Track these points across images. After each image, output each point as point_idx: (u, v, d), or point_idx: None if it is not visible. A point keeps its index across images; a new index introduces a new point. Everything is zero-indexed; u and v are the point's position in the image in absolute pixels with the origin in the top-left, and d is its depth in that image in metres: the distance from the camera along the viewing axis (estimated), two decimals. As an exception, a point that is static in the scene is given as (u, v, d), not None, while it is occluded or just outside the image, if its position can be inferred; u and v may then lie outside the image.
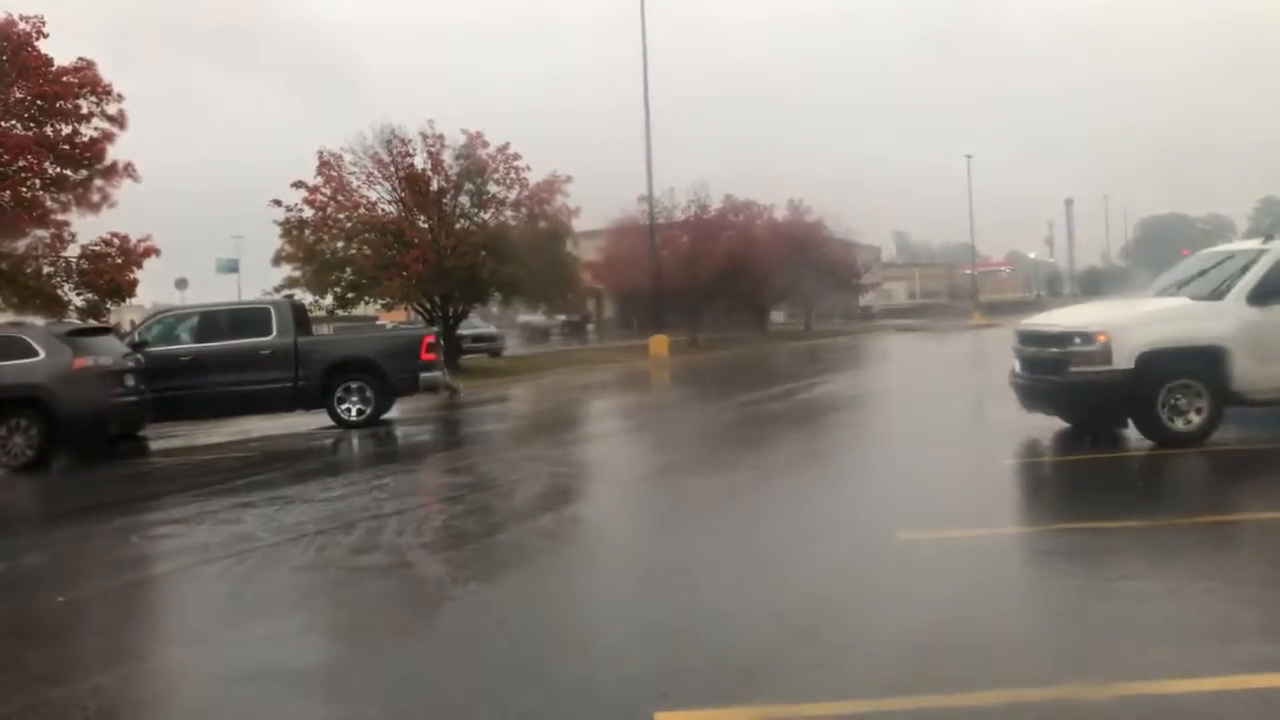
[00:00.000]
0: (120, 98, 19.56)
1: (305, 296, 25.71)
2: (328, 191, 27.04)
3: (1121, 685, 4.06)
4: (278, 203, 26.67)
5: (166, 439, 15.79)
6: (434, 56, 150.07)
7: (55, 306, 19.56)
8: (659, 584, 6.28)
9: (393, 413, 16.94)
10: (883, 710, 3.97)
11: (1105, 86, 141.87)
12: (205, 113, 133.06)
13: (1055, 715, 3.89)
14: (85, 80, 19.20)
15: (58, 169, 19.34)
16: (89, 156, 19.45)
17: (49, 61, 19.03)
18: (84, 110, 19.28)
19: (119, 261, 20.06)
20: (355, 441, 14.53)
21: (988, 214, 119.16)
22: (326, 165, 27.05)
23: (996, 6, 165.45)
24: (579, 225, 30.72)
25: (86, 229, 20.19)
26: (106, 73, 19.53)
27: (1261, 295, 9.70)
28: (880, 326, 57.58)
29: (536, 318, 50.51)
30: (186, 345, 15.94)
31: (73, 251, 19.88)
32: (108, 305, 20.75)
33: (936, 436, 12.14)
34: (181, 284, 49.65)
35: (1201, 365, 9.63)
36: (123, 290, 20.61)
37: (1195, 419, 9.62)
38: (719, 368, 30.13)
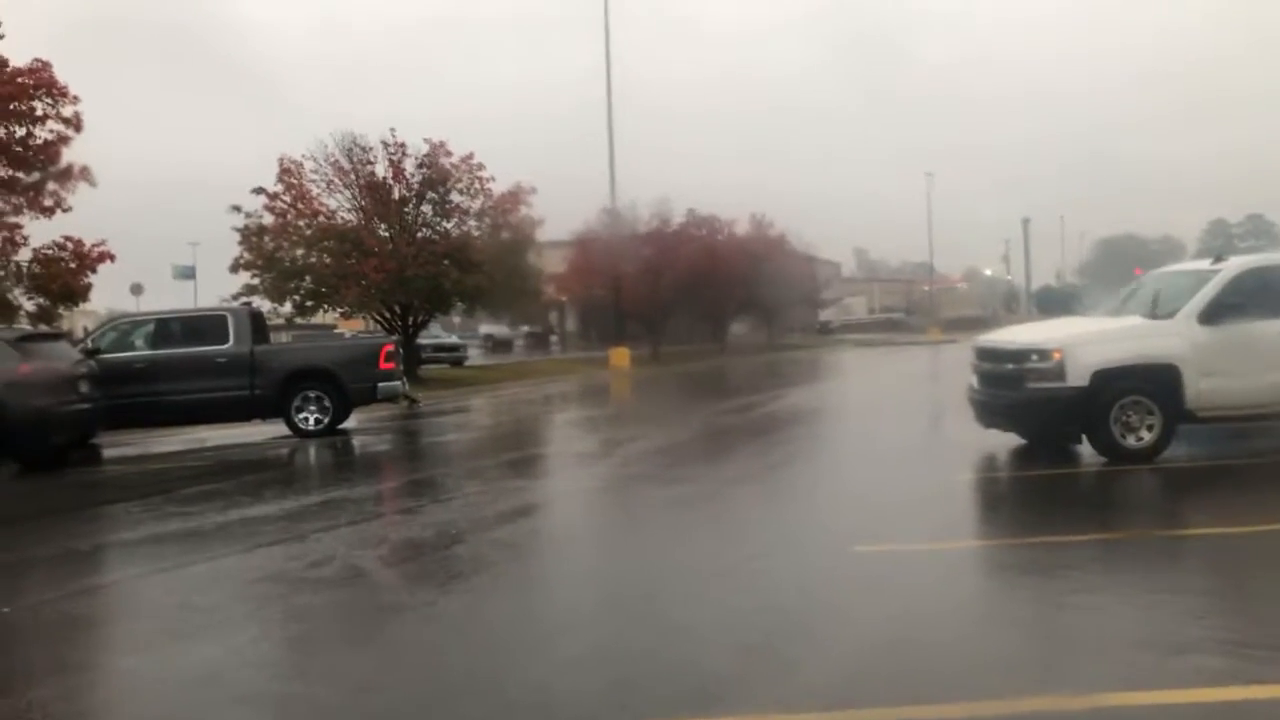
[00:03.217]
0: (76, 100, 19.27)
1: (264, 304, 25.44)
2: (288, 198, 26.83)
3: (1076, 698, 4.10)
4: (237, 208, 26.44)
5: (119, 447, 15.52)
6: (401, 66, 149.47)
7: (5, 311, 19.18)
8: (615, 596, 6.27)
9: (350, 422, 16.78)
10: (838, 723, 3.98)
11: (1064, 115, 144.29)
12: (162, 119, 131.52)
13: (1008, 727, 3.92)
14: (41, 81, 18.88)
15: (9, 171, 19.00)
16: (43, 159, 19.13)
17: (3, 62, 18.70)
18: (39, 112, 18.96)
19: (72, 266, 19.72)
20: (312, 451, 14.37)
21: (946, 233, 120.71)
22: (287, 172, 26.85)
23: (956, 33, 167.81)
24: (542, 236, 30.73)
25: (40, 233, 19.86)
26: (62, 74, 19.24)
27: (1211, 315, 9.89)
28: (840, 341, 58.04)
29: (499, 328, 50.38)
30: (141, 352, 15.68)
31: (24, 255, 19.52)
32: (60, 310, 20.39)
33: (894, 451, 12.23)
34: (137, 290, 48.87)
35: (1153, 383, 9.79)
36: (75, 295, 20.26)
37: (1147, 436, 9.78)
38: (679, 381, 30.18)
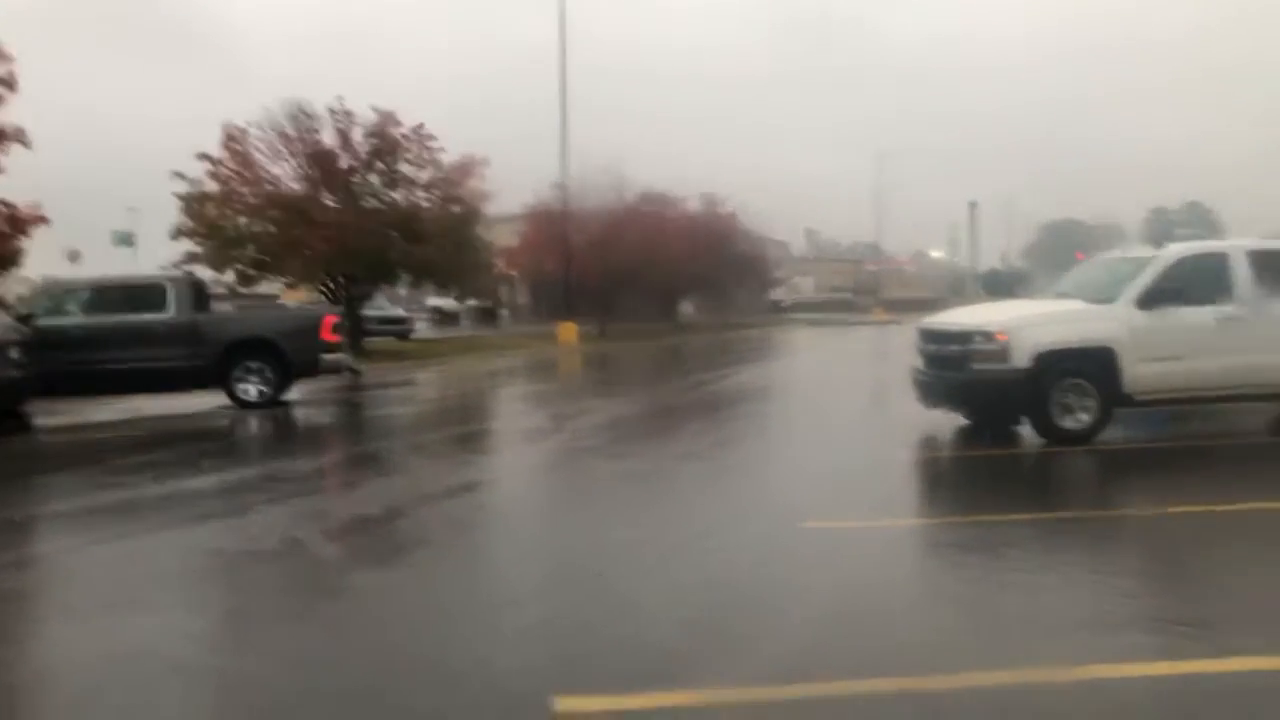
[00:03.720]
0: (9, 58, 18.62)
1: (205, 272, 24.91)
2: (233, 166, 26.25)
3: (1013, 672, 4.18)
4: (179, 175, 25.80)
5: (53, 416, 15.13)
6: (350, 34, 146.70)
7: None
8: (561, 571, 6.25)
9: (293, 394, 16.53)
10: (784, 697, 4.01)
11: (1011, 101, 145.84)
12: (101, 80, 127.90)
13: (950, 701, 3.98)
14: (-29, 38, 18.21)
15: (-63, 131, 18.34)
16: (-27, 119, 18.49)
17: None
18: (-31, 70, 18.29)
19: (4, 230, 19.11)
20: (253, 423, 14.14)
21: (895, 215, 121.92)
22: (232, 139, 26.25)
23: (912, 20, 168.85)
24: (493, 209, 30.42)
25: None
26: (-5, 31, 18.58)
27: (1149, 299, 10.09)
28: (789, 320, 58.40)
29: (447, 301, 49.91)
30: (77, 319, 15.28)
31: (-47, 218, 18.88)
32: (-10, 276, 19.79)
33: (840, 430, 12.35)
34: (74, 256, 47.61)
35: (1091, 365, 9.97)
36: (6, 261, 19.66)
37: (1085, 418, 9.96)
38: (627, 357, 30.18)
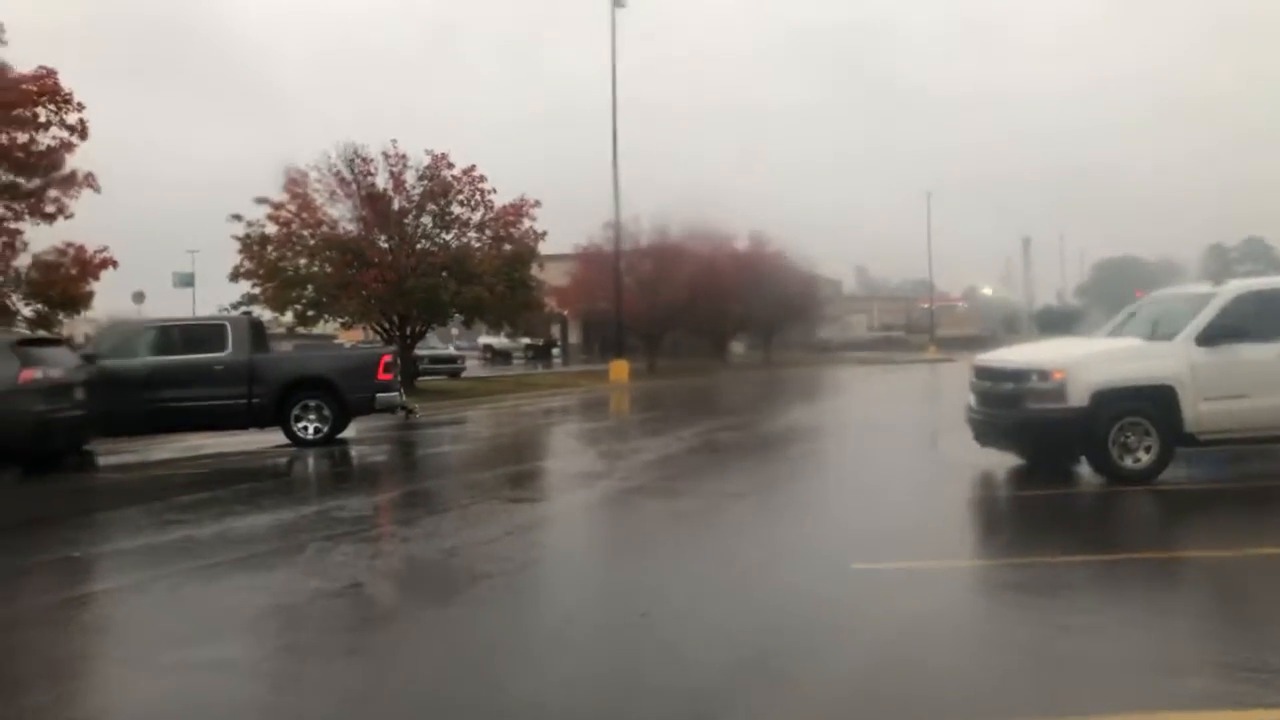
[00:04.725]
0: (80, 107, 19.29)
1: (264, 313, 25.44)
2: (293, 208, 26.85)
3: (1074, 719, 4.09)
4: (238, 217, 26.44)
5: (116, 455, 15.48)
6: (406, 79, 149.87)
7: (2, 316, 19.17)
8: (612, 613, 6.24)
9: (349, 432, 16.76)
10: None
11: (1063, 134, 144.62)
12: (164, 124, 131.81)
13: (1005, 748, 3.91)
14: (45, 89, 18.91)
15: (11, 176, 19.01)
16: (46, 165, 19.15)
17: (7, 69, 18.75)
18: (42, 119, 18.99)
19: (73, 272, 19.72)
20: (310, 461, 14.35)
21: (947, 251, 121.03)
22: (294, 182, 26.89)
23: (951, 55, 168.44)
24: (545, 248, 30.70)
25: (42, 238, 19.86)
26: (67, 81, 19.28)
27: (1210, 337, 9.90)
28: (839, 359, 57.99)
29: (499, 340, 50.32)
30: (141, 359, 15.68)
31: (24, 260, 19.52)
32: (60, 316, 20.37)
33: (892, 469, 12.22)
34: (139, 297, 49.01)
35: (1151, 404, 9.79)
36: (77, 302, 20.25)
37: (1145, 457, 9.77)
38: (678, 396, 30.15)
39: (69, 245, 19.78)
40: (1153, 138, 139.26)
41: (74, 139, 19.33)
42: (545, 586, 7.12)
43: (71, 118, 19.22)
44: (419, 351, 30.32)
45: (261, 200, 26.54)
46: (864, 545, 7.64)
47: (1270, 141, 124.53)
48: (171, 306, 58.44)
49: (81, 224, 20.18)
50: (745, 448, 15.27)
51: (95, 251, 19.96)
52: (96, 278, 20.13)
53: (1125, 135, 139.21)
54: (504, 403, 26.80)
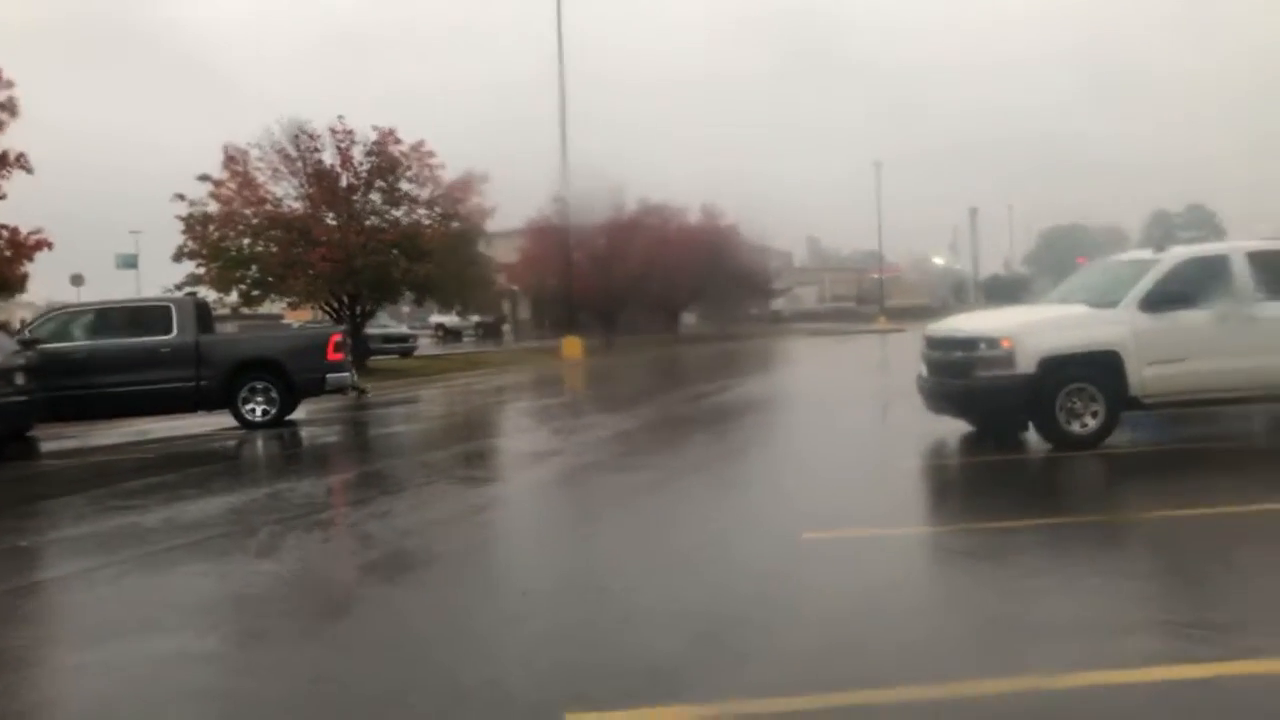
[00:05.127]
0: (10, 84, 18.77)
1: (209, 294, 25.00)
2: (234, 186, 26.36)
3: (1021, 679, 4.17)
4: (181, 196, 25.91)
5: (59, 440, 15.17)
6: (348, 52, 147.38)
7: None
8: (567, 585, 6.25)
9: (299, 413, 16.56)
10: (789, 709, 4.00)
11: (1010, 105, 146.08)
12: (103, 105, 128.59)
13: (954, 710, 3.97)
14: (-29, 65, 18.36)
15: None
16: (-27, 144, 18.63)
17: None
18: (-30, 97, 18.44)
19: (7, 255, 19.21)
20: (260, 443, 14.16)
21: (896, 222, 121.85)
22: (233, 159, 26.37)
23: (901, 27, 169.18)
24: (494, 225, 30.50)
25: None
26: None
27: (1153, 303, 10.07)
28: (791, 330, 58.37)
29: (450, 318, 49.98)
30: (82, 343, 15.33)
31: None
32: (-5, 300, 19.89)
33: (844, 438, 12.34)
34: (78, 280, 47.82)
35: (1097, 370, 9.96)
36: (11, 285, 19.77)
37: (1091, 422, 9.94)
38: (632, 371, 30.18)
39: (1, 227, 19.25)
40: (1099, 108, 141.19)
41: (4, 117, 18.79)
42: (500, 564, 7.11)
43: (1, 95, 18.68)
44: (370, 331, 30.02)
45: (204, 178, 26.05)
46: (816, 515, 7.71)
47: (1215, 112, 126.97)
48: (114, 289, 57.22)
49: (16, 206, 19.67)
50: (699, 421, 15.32)
51: (29, 233, 19.46)
52: (31, 259, 19.66)
53: (1072, 106, 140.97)
54: (456, 381, 26.64)
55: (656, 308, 50.12)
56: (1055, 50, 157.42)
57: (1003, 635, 4.84)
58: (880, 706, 4.00)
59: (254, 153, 26.62)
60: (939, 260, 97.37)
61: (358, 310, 27.84)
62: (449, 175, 28.31)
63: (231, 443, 14.31)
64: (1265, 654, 4.35)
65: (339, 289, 27.11)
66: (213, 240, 25.94)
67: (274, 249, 26.24)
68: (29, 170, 19.30)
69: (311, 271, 25.92)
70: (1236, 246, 10.86)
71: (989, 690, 4.09)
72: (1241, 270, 10.25)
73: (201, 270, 25.92)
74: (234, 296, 26.74)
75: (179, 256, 26.11)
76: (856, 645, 4.74)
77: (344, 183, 27.30)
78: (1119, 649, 4.51)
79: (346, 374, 16.64)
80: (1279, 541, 6.57)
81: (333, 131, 26.96)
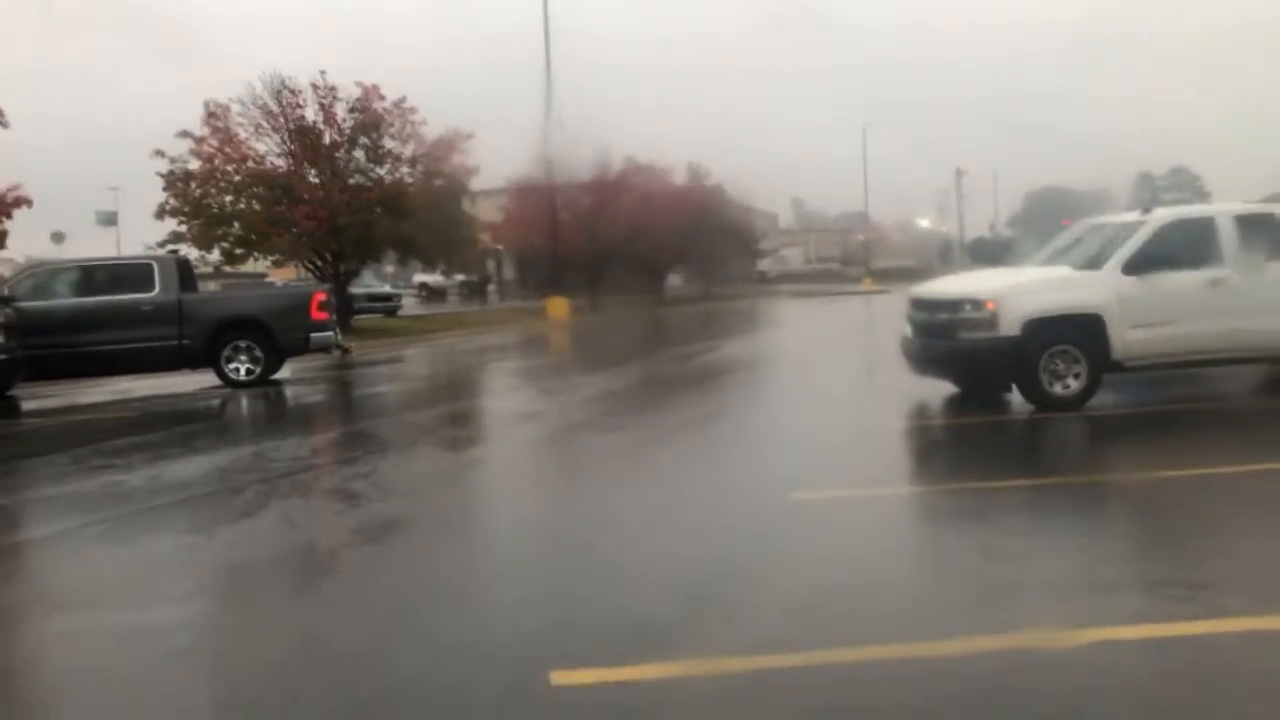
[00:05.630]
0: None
1: (191, 251, 24.79)
2: (215, 143, 26.04)
3: (1005, 637, 4.21)
4: (160, 153, 25.62)
5: (40, 399, 15.07)
6: (333, 19, 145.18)
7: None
8: (555, 544, 6.27)
9: (283, 373, 16.50)
10: (778, 667, 4.03)
11: (997, 67, 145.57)
12: (83, 61, 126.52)
13: (942, 668, 4.01)
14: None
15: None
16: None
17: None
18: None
19: (-15, 212, 18.99)
20: (244, 402, 14.11)
21: (883, 183, 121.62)
22: (214, 115, 26.05)
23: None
24: (478, 184, 30.30)
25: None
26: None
27: (1136, 265, 10.10)
28: (776, 291, 58.34)
29: (434, 277, 49.76)
30: (63, 301, 15.20)
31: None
32: (-26, 257, 19.67)
33: (830, 400, 12.38)
34: (58, 237, 47.42)
35: (1080, 332, 10.00)
36: (-11, 242, 19.54)
37: (1074, 384, 10.00)
38: (618, 331, 30.17)
39: (-21, 183, 19.01)
40: (1087, 70, 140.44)
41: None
42: (488, 523, 7.13)
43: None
44: (354, 290, 29.86)
45: (184, 134, 25.72)
46: (804, 475, 7.75)
47: (1200, 73, 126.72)
48: (95, 246, 56.66)
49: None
50: (686, 381, 15.34)
51: (8, 189, 19.22)
52: (9, 216, 19.44)
53: (1059, 68, 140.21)
54: (441, 341, 26.57)
55: (642, 268, 49.92)
56: (1046, 13, 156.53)
57: (986, 595, 4.89)
58: (868, 663, 4.04)
59: (235, 108, 26.32)
60: (924, 222, 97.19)
61: (341, 269, 27.67)
62: (432, 133, 28.08)
63: (215, 402, 14.26)
64: (1247, 612, 4.40)
65: (322, 247, 26.94)
66: (195, 197, 25.68)
67: (257, 206, 26.03)
68: (5, 125, 19.03)
69: (295, 230, 25.75)
70: (1221, 209, 10.88)
71: (974, 648, 4.14)
72: (1226, 233, 10.28)
73: (183, 228, 25.70)
74: (216, 254, 26.55)
75: (160, 214, 25.88)
76: (846, 604, 4.78)
77: (327, 140, 27.03)
78: (1102, 608, 4.57)
79: (330, 333, 16.56)
80: (1260, 501, 6.63)
81: (315, 88, 26.67)
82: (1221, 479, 7.13)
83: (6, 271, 25.83)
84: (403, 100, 27.38)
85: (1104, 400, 10.29)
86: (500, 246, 49.92)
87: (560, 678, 3.97)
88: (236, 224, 26.13)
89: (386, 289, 39.05)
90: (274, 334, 15.54)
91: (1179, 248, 10.21)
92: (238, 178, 26.19)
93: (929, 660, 4.06)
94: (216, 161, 26.05)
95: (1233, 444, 8.53)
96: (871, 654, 4.11)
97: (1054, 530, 6.05)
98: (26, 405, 14.55)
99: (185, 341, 15.18)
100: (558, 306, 35.24)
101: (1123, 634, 4.23)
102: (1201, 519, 6.25)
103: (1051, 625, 4.33)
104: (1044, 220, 65.05)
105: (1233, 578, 4.98)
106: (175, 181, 25.70)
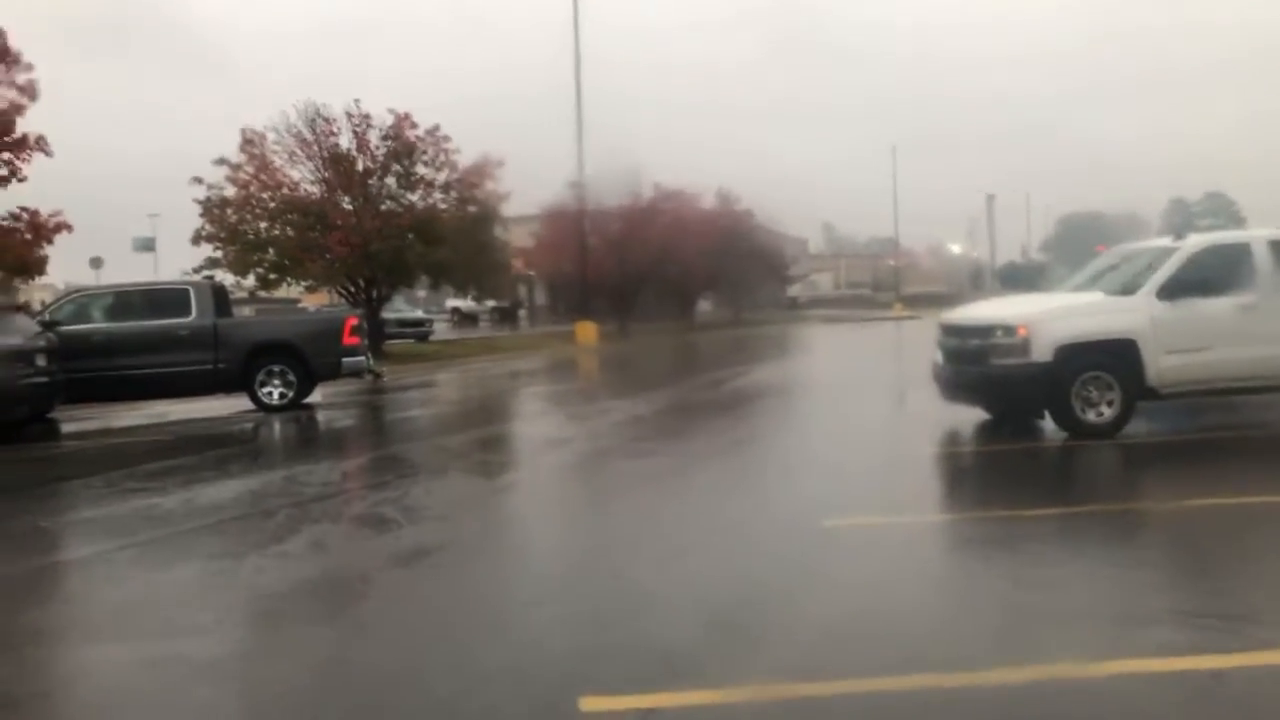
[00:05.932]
0: (30, 67, 18.83)
1: (227, 277, 25.13)
2: (251, 170, 26.44)
3: (1038, 668, 4.17)
4: (199, 180, 26.01)
5: (78, 422, 15.30)
6: (367, 40, 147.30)
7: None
8: (584, 569, 6.28)
9: (315, 397, 16.65)
10: (807, 695, 4.01)
11: (1030, 93, 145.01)
12: (124, 88, 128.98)
13: (972, 698, 3.97)
14: (-8, 48, 18.43)
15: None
16: (-5, 126, 18.70)
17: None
18: (-10, 80, 18.51)
19: (28, 237, 19.33)
20: (276, 426, 14.25)
21: (912, 208, 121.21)
22: (250, 143, 26.45)
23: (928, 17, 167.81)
24: (510, 210, 30.52)
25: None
26: (16, 42, 18.77)
27: (1171, 291, 10.00)
28: (806, 317, 58.21)
29: (466, 303, 50.05)
30: (101, 325, 15.46)
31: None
32: (16, 283, 20.02)
33: (860, 426, 12.32)
34: (97, 263, 48.13)
35: (1114, 358, 9.90)
36: (31, 267, 19.88)
37: (1107, 411, 9.89)
38: (646, 356, 30.19)
39: (22, 210, 19.37)
40: (1120, 96, 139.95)
41: (24, 100, 18.87)
42: (518, 548, 7.14)
43: (21, 78, 18.76)
44: (386, 315, 30.11)
45: (220, 162, 26.14)
46: (835, 502, 7.71)
47: (1233, 100, 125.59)
48: (132, 272, 57.49)
49: (36, 189, 19.77)
50: (716, 407, 15.33)
51: (49, 215, 19.57)
52: (50, 242, 19.76)
53: (1093, 94, 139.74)
54: (472, 366, 26.71)
55: (672, 294, 50.03)
56: (1076, 39, 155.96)
57: (1021, 625, 4.83)
58: (897, 694, 4.01)
59: (270, 136, 26.72)
60: (955, 247, 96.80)
61: (374, 294, 27.92)
62: (465, 160, 28.36)
63: (249, 425, 14.41)
64: (1282, 645, 4.34)
65: (355, 273, 27.19)
66: (230, 224, 26.06)
67: (291, 233, 26.34)
68: (49, 153, 19.39)
69: (328, 255, 26.02)
70: (1257, 235, 10.77)
71: (1006, 679, 4.09)
72: (1262, 259, 10.17)
73: (219, 254, 26.05)
74: (251, 280, 26.86)
75: (197, 240, 26.24)
76: (875, 633, 4.75)
77: (360, 167, 27.35)
78: (1137, 639, 4.51)
79: (362, 358, 16.72)
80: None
81: (349, 115, 27.02)
82: (1258, 508, 7.03)
83: (47, 297, 26.30)
84: (435, 128, 27.70)
85: (1138, 428, 10.18)
86: (532, 272, 50.17)
87: (590, 704, 3.97)
88: (271, 250, 26.45)
89: (418, 314, 39.36)
90: (306, 359, 15.71)
91: (1214, 273, 10.10)
92: (272, 204, 26.54)
93: (957, 690, 4.02)
94: (252, 188, 26.43)
95: (1269, 473, 8.40)
96: (901, 684, 4.08)
97: (1086, 559, 5.98)
98: (65, 428, 14.77)
99: (220, 365, 15.38)
100: (586, 331, 35.32)
101: (1155, 666, 4.17)
102: (1237, 549, 6.16)
103: (1082, 656, 4.27)
104: (1076, 245, 64.67)
105: (1269, 609, 4.90)
106: (212, 208, 26.09)
